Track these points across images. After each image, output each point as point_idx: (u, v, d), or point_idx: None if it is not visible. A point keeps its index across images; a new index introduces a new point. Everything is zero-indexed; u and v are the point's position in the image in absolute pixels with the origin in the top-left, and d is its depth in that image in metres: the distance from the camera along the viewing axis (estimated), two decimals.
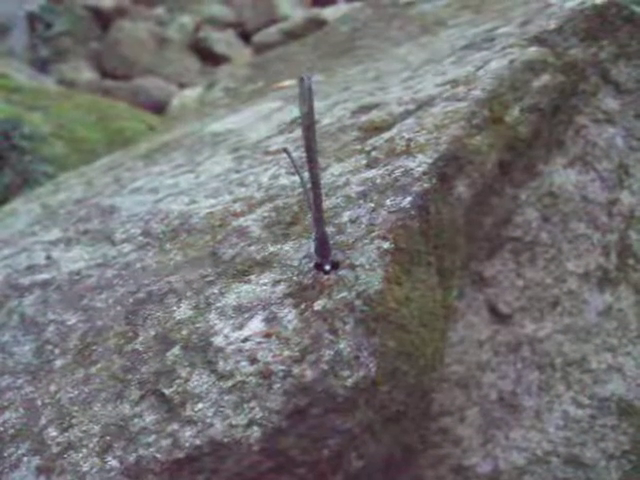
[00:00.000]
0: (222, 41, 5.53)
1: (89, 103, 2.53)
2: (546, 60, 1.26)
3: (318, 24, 2.92)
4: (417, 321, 0.90)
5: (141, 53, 5.34)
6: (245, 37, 5.58)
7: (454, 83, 1.29)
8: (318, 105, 1.53)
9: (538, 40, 1.34)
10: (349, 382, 0.82)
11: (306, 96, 0.88)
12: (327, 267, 0.85)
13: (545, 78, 1.26)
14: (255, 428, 0.80)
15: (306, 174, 0.93)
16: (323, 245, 0.86)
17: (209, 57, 5.27)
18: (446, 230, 1.10)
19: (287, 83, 1.93)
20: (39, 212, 1.50)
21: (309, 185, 0.91)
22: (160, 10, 6.31)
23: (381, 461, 0.91)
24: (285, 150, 1.06)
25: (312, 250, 0.88)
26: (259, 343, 0.85)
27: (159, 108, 3.81)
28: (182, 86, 4.72)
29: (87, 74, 5.10)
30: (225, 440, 0.79)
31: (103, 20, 5.86)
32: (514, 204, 1.32)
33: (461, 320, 1.33)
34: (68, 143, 2.19)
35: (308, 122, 0.88)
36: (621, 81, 1.41)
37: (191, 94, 3.59)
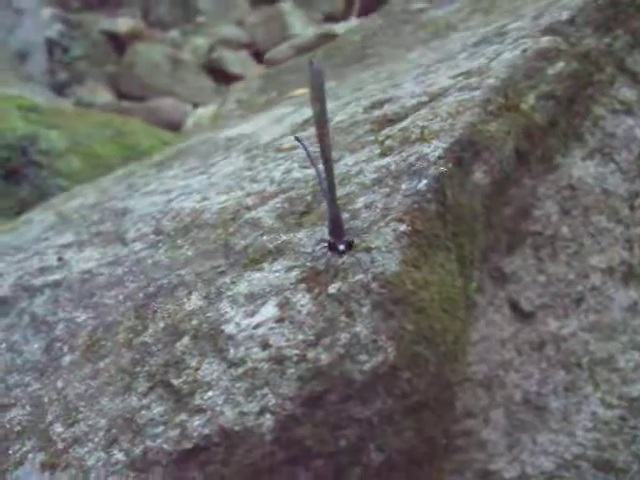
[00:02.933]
0: (236, 61, 5.55)
1: (104, 120, 2.52)
2: (559, 48, 1.20)
3: (330, 39, 2.89)
4: (437, 305, 0.83)
5: (156, 75, 5.38)
6: (258, 57, 5.60)
7: (467, 74, 1.23)
8: (330, 106, 1.48)
9: (551, 30, 1.29)
10: (367, 367, 0.75)
11: (316, 76, 0.82)
12: (341, 247, 0.78)
13: (559, 65, 1.20)
14: (268, 416, 0.72)
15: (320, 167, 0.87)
16: (336, 225, 0.80)
17: (223, 77, 5.28)
18: (465, 217, 1.03)
19: (300, 92, 1.88)
20: (53, 219, 1.45)
21: (321, 165, 0.85)
22: (174, 33, 6.37)
23: (402, 456, 0.84)
24: (296, 138, 1.00)
25: (326, 235, 0.82)
26: (271, 328, 0.78)
27: (174, 127, 3.80)
28: (197, 106, 4.73)
29: (104, 96, 5.14)
30: (236, 428, 0.72)
31: (119, 44, 5.92)
32: (533, 197, 1.25)
33: (482, 318, 1.25)
34: (84, 158, 2.17)
35: (319, 101, 0.82)
36: (637, 71, 1.35)
37: (206, 112, 3.58)
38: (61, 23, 5.76)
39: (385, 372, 0.76)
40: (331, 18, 5.71)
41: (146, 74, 5.48)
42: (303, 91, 1.85)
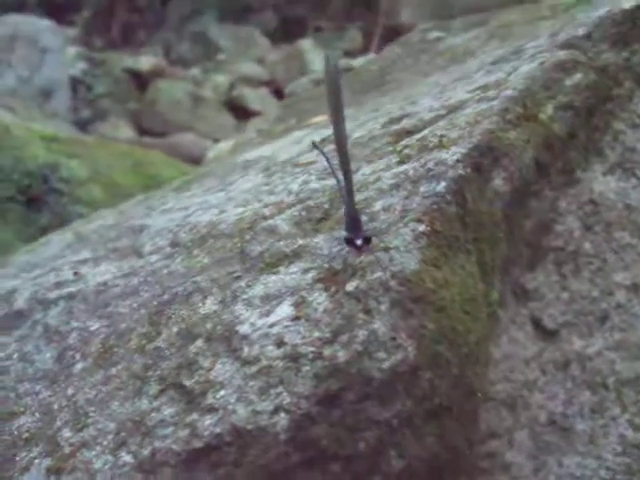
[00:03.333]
0: (256, 98, 5.63)
1: (125, 151, 2.54)
2: (577, 60, 1.19)
3: (348, 71, 2.91)
4: (458, 306, 0.79)
5: (177, 111, 5.47)
6: (278, 94, 5.66)
7: (485, 88, 1.22)
8: (349, 126, 1.47)
9: (568, 45, 1.27)
10: (386, 365, 0.71)
11: (332, 76, 0.80)
12: (359, 242, 0.75)
13: (577, 77, 1.18)
14: (282, 415, 0.68)
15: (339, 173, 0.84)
16: (354, 220, 0.77)
17: (244, 114, 5.35)
18: (485, 224, 1.00)
19: (318, 119, 1.88)
20: (71, 239, 1.44)
21: (337, 161, 0.82)
22: (195, 70, 6.49)
23: (423, 465, 0.78)
24: (314, 144, 0.98)
25: (343, 233, 0.79)
26: (287, 327, 0.75)
27: (194, 161, 3.82)
28: (217, 141, 4.77)
29: (126, 132, 5.22)
30: (248, 427, 0.68)
31: (141, 81, 6.05)
32: (554, 212, 1.22)
33: (504, 335, 1.20)
34: (104, 187, 2.17)
35: (335, 96, 0.80)
36: None
37: (226, 146, 3.60)
38: (85, 61, 5.92)
39: (405, 371, 0.72)
40: (350, 55, 5.78)
41: (167, 111, 5.57)
42: (321, 118, 1.84)
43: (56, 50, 5.08)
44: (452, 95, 1.26)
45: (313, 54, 5.79)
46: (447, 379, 0.77)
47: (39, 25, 5.33)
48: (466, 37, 1.90)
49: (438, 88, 1.41)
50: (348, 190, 0.80)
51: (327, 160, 0.92)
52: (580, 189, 1.25)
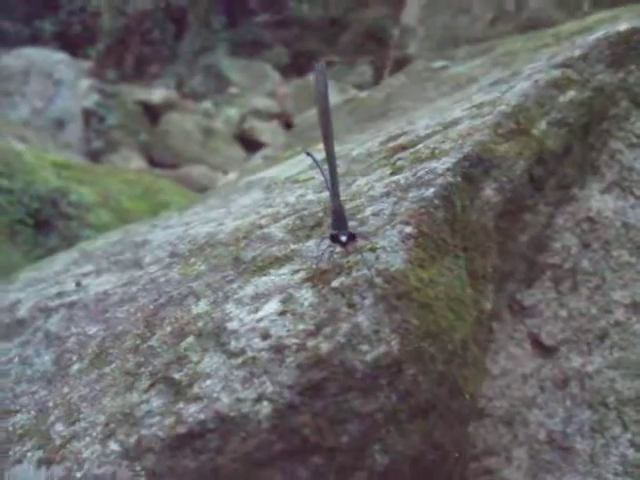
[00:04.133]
0: (267, 131, 5.75)
1: (134, 179, 2.61)
2: (570, 77, 1.23)
3: (353, 101, 2.98)
4: (444, 304, 0.82)
5: (188, 144, 5.60)
6: (288, 127, 5.78)
7: (480, 106, 1.27)
8: (350, 145, 1.52)
9: (563, 65, 1.32)
10: (369, 357, 0.74)
11: (320, 80, 0.86)
12: (343, 238, 0.79)
13: (570, 94, 1.22)
14: (265, 403, 0.71)
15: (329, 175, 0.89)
16: (339, 218, 0.81)
17: (254, 146, 5.45)
18: (476, 232, 1.03)
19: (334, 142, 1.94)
20: (76, 256, 1.49)
21: (326, 167, 0.87)
22: (207, 103, 6.65)
23: (409, 463, 0.81)
24: (307, 153, 1.03)
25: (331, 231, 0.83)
26: (273, 321, 0.78)
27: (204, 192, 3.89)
28: (227, 173, 4.87)
29: (137, 163, 5.34)
30: (231, 414, 0.71)
31: (153, 113, 6.21)
32: (550, 229, 1.25)
33: (502, 351, 1.22)
34: (113, 212, 2.24)
35: (323, 104, 0.85)
36: None
37: (234, 176, 3.68)
38: (98, 93, 6.10)
39: (388, 364, 0.75)
40: (360, 88, 5.89)
41: (179, 143, 5.70)
42: None
43: (70, 82, 5.26)
44: (449, 114, 1.31)
45: None
46: (431, 375, 0.79)
47: (53, 58, 5.54)
48: (470, 65, 1.96)
49: (437, 110, 1.46)
50: (334, 189, 0.84)
51: (315, 161, 0.97)
52: (577, 206, 1.28)
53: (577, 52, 1.34)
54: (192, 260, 1.10)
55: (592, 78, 1.31)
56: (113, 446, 0.75)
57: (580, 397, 1.23)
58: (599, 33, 1.40)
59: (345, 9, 7.66)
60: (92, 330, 1.03)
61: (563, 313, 1.25)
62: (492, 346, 1.20)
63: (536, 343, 1.24)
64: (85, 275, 1.30)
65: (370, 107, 2.09)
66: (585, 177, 1.30)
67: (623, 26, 1.39)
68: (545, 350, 1.24)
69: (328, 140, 0.86)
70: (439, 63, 2.18)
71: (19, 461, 0.82)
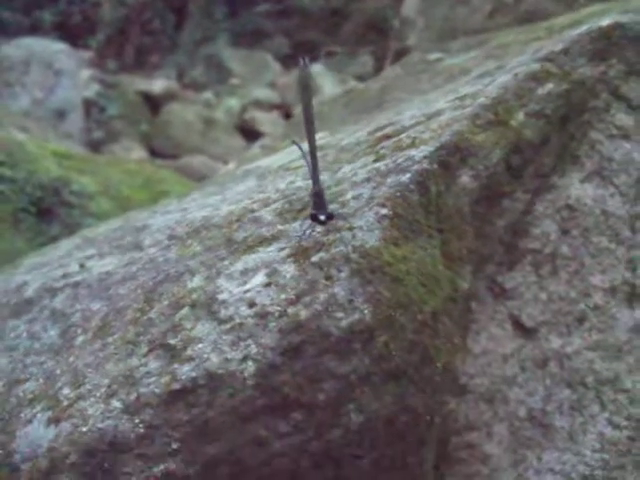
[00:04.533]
0: (267, 121, 5.90)
1: (135, 168, 2.74)
2: (549, 70, 1.35)
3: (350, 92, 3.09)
4: (415, 279, 0.94)
5: (189, 134, 5.75)
6: (289, 117, 5.91)
7: (462, 98, 1.38)
8: (342, 135, 1.64)
9: (544, 59, 1.43)
10: (343, 323, 0.86)
11: (304, 76, 0.98)
12: (322, 217, 0.91)
13: (549, 86, 1.33)
14: (250, 363, 0.84)
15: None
16: (318, 199, 0.93)
17: (255, 136, 5.59)
18: (452, 216, 1.15)
19: (320, 135, 2.05)
20: (79, 242, 1.62)
21: (308, 155, 0.99)
22: (208, 94, 6.80)
23: (383, 423, 0.93)
24: (293, 142, 1.15)
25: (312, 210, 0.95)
26: (258, 292, 0.91)
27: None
28: (227, 163, 5.00)
29: (138, 154, 5.49)
30: (219, 372, 0.84)
31: (153, 104, 6.37)
32: (530, 215, 1.36)
33: (483, 332, 1.34)
34: (114, 201, 2.38)
35: (306, 100, 0.97)
36: (632, 97, 1.47)
37: (233, 166, 3.80)
38: (98, 84, 6.24)
39: (361, 330, 0.87)
40: (361, 79, 6.00)
41: (179, 133, 5.85)
42: (322, 134, 2.02)
43: (70, 72, 5.42)
44: (434, 105, 1.43)
45: (324, 78, 6.06)
46: (402, 343, 0.91)
47: (54, 48, 5.70)
48: (464, 57, 2.07)
49: (424, 102, 1.58)
50: (314, 173, 0.96)
51: (300, 149, 1.09)
52: (557, 194, 1.39)
53: (559, 46, 1.45)
54: (189, 242, 1.23)
55: (573, 71, 1.42)
56: (115, 403, 0.88)
57: (559, 376, 1.34)
58: (582, 28, 1.51)
59: None
60: (96, 306, 1.16)
61: (543, 296, 1.36)
62: (473, 326, 1.32)
63: (517, 324, 1.35)
64: (88, 258, 1.43)
65: (366, 99, 2.20)
66: (565, 166, 1.40)
67: (606, 21, 1.49)
68: (525, 331, 1.35)
69: (310, 131, 0.98)
70: (435, 55, 2.29)
71: (29, 421, 0.95)
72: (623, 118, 1.47)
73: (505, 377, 1.32)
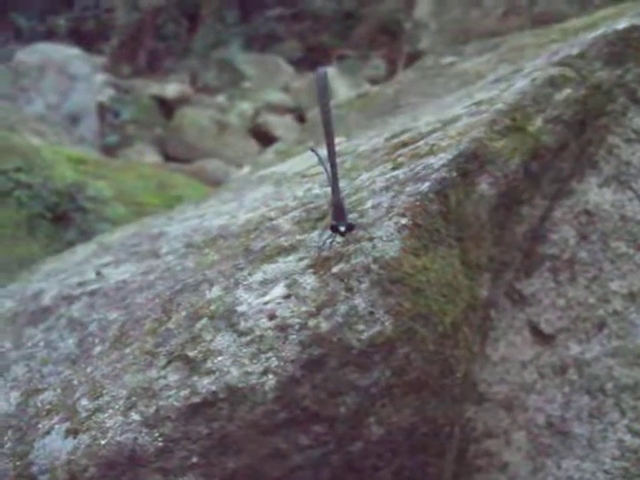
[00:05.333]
0: (281, 125, 5.89)
1: (149, 173, 2.74)
2: (566, 75, 1.32)
3: (364, 96, 3.08)
4: (435, 289, 0.92)
5: (203, 138, 5.76)
6: (302, 121, 5.89)
7: (479, 103, 1.36)
8: (358, 141, 1.62)
9: (561, 64, 1.40)
10: (364, 336, 0.84)
11: (322, 82, 0.96)
12: (342, 228, 0.89)
13: (566, 92, 1.31)
14: (270, 376, 0.82)
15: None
16: (339, 210, 0.92)
17: (268, 141, 5.58)
18: (471, 224, 1.13)
19: (337, 140, 2.04)
20: (95, 248, 1.61)
21: (329, 164, 0.97)
22: (221, 98, 6.82)
23: (404, 435, 0.91)
24: (311, 149, 1.13)
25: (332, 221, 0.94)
26: (279, 303, 0.89)
27: (219, 186, 4.00)
28: (241, 167, 5.00)
29: (151, 157, 5.50)
30: (240, 385, 0.82)
31: (167, 108, 6.38)
32: (548, 221, 1.34)
33: (502, 339, 1.31)
34: (129, 206, 2.38)
35: (325, 105, 0.96)
36: None
37: (247, 170, 3.80)
38: (112, 88, 6.26)
39: (382, 343, 0.85)
40: (374, 82, 5.98)
41: (193, 137, 5.85)
42: (339, 139, 2.00)
43: (85, 77, 5.44)
44: (450, 111, 1.41)
45: (337, 82, 6.05)
46: (423, 354, 0.89)
47: (68, 53, 5.72)
48: (478, 61, 2.05)
49: (441, 107, 1.56)
50: (334, 184, 0.95)
51: (318, 156, 1.07)
52: (575, 200, 1.36)
53: (575, 50, 1.43)
54: (206, 250, 1.21)
55: (590, 76, 1.39)
56: (134, 416, 0.86)
57: (578, 383, 1.31)
58: (598, 31, 1.48)
59: (359, 2, 7.78)
60: (113, 315, 1.14)
61: (561, 302, 1.34)
62: (492, 334, 1.30)
63: (535, 331, 1.33)
64: (105, 265, 1.42)
65: (380, 103, 2.18)
66: (583, 171, 1.38)
67: (622, 24, 1.47)
68: (544, 338, 1.33)
69: (329, 139, 0.96)
70: (448, 59, 2.27)
71: (47, 432, 0.93)
72: None
73: (523, 384, 1.30)
